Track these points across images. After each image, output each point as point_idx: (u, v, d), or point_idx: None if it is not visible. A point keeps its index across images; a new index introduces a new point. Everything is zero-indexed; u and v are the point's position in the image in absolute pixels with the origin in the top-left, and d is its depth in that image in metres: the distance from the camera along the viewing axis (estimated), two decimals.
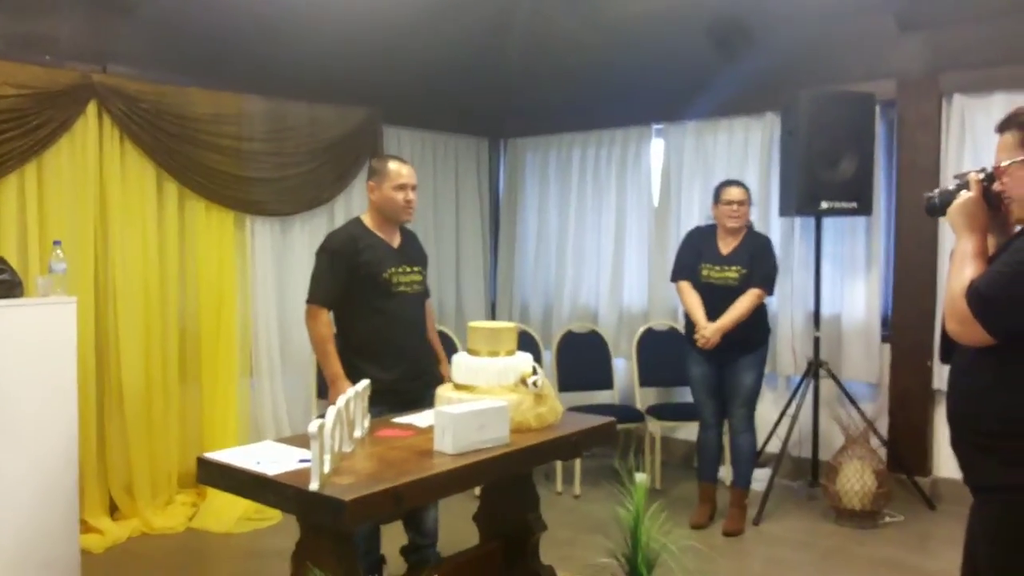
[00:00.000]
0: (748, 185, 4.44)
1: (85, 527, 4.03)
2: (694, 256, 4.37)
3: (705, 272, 4.30)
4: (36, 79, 3.92)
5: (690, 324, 4.37)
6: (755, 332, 4.32)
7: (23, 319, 3.43)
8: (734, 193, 4.28)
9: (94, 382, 4.21)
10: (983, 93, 4.53)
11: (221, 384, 4.71)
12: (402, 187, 3.42)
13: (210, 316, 4.69)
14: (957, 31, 4.59)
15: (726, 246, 4.31)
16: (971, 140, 4.57)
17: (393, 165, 3.46)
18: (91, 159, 4.19)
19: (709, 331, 4.17)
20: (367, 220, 3.49)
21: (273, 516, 4.39)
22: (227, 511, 4.40)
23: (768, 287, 4.29)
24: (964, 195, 2.07)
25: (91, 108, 4.15)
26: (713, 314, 4.22)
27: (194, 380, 4.69)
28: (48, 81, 3.96)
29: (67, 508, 3.59)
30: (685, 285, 4.37)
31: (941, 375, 4.57)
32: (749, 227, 4.39)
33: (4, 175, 3.86)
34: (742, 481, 4.40)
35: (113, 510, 4.33)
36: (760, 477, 4.83)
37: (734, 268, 4.25)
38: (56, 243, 3.65)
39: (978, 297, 1.91)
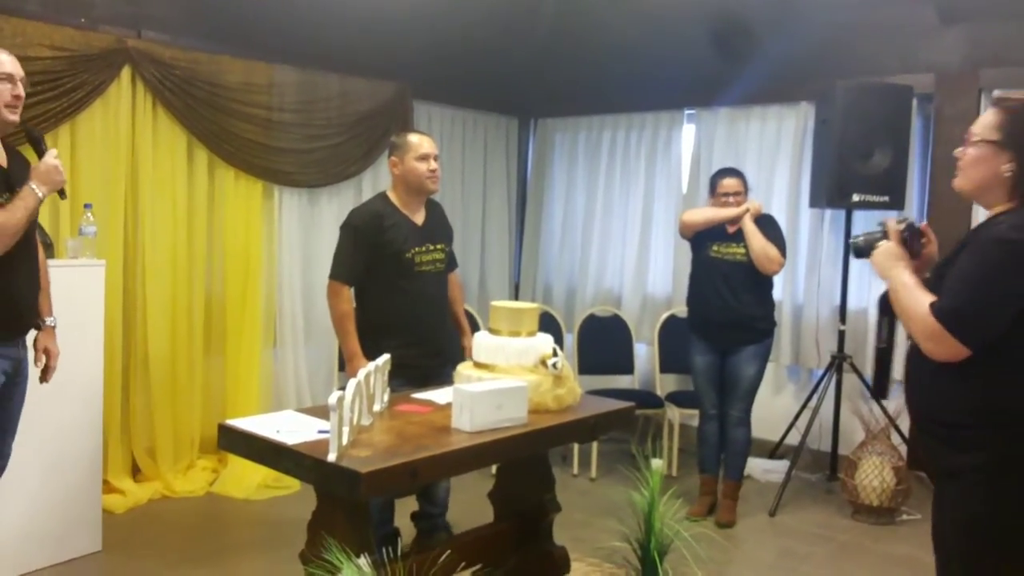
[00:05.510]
0: (776, 175, 4.36)
1: (108, 487, 4.09)
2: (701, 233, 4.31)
3: (715, 248, 4.23)
4: (71, 41, 3.94)
5: (693, 309, 4.36)
6: (761, 320, 4.26)
7: (52, 280, 3.47)
8: (729, 184, 4.25)
9: (120, 345, 4.25)
10: None
11: (245, 352, 4.75)
12: (424, 157, 3.42)
13: (236, 284, 4.73)
14: (999, 26, 4.50)
15: (730, 227, 4.23)
16: None
17: (414, 137, 3.47)
18: (123, 124, 4.21)
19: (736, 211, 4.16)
20: (392, 196, 3.49)
21: (292, 485, 4.45)
22: (247, 478, 4.46)
23: (784, 254, 4.20)
24: (884, 244, 2.20)
25: (125, 73, 4.17)
26: (720, 297, 4.18)
27: (218, 347, 4.74)
28: (83, 44, 3.98)
29: (91, 468, 3.66)
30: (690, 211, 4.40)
31: None
32: None
33: None
34: (735, 474, 4.36)
35: (136, 472, 4.39)
36: (778, 468, 4.82)
37: (742, 245, 4.17)
38: (87, 206, 3.70)
39: (948, 313, 1.95)
